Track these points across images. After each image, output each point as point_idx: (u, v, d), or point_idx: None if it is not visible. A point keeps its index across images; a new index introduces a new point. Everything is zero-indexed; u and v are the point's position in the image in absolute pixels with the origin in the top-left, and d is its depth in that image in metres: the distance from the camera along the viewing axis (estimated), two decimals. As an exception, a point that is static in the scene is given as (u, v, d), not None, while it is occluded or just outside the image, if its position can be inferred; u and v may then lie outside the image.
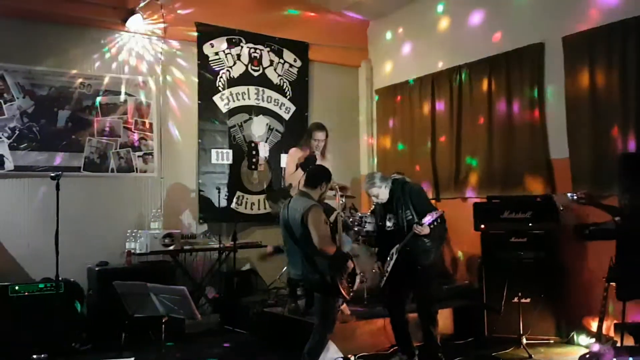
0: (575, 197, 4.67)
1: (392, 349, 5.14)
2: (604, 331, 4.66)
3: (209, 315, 6.35)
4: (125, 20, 6.34)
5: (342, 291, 4.10)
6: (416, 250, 4.57)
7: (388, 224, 4.72)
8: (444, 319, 5.70)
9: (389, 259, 4.62)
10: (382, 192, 4.68)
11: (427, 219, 4.40)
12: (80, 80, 6.22)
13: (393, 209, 4.69)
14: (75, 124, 6.19)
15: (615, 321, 4.85)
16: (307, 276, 4.17)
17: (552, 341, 5.44)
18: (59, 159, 6.04)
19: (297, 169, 5.62)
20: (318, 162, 5.46)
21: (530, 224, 5.55)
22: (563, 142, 5.71)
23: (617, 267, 4.43)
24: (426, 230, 4.42)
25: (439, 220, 4.43)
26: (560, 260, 5.57)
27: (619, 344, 4.51)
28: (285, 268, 6.37)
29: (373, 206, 5.16)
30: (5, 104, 5.82)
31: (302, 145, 5.93)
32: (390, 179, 4.78)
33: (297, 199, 4.22)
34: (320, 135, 5.86)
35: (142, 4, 6.22)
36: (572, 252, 5.55)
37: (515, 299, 5.28)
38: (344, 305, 4.96)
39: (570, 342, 5.40)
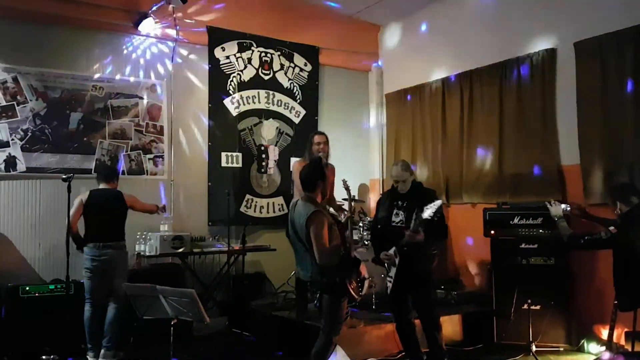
0: (568, 209, 4.68)
1: (400, 355, 5.12)
2: (614, 339, 4.63)
3: (217, 318, 6.35)
4: (137, 24, 6.38)
5: (351, 292, 4.11)
6: (418, 255, 4.52)
7: (394, 218, 4.68)
8: (453, 325, 5.68)
9: (391, 262, 4.60)
10: (409, 181, 4.71)
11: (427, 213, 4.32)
12: (92, 82, 6.28)
13: (405, 207, 4.65)
14: (87, 126, 6.23)
15: (626, 329, 4.81)
16: (316, 278, 4.17)
17: (562, 349, 5.40)
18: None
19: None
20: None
21: (540, 230, 5.52)
22: (574, 149, 5.68)
23: (615, 278, 4.40)
24: (420, 236, 4.38)
25: (438, 215, 4.34)
26: (571, 266, 5.53)
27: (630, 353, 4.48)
28: (293, 272, 6.41)
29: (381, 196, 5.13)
30: (18, 105, 5.88)
31: (305, 156, 5.97)
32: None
33: (302, 203, 4.23)
34: (318, 138, 5.89)
35: (154, 8, 6.26)
36: (583, 259, 5.51)
37: (525, 306, 5.24)
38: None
39: (580, 349, 5.36)
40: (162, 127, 6.70)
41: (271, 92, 7.41)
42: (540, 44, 6.02)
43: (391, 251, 4.55)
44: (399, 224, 4.63)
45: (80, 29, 6.23)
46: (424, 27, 7.58)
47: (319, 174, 4.32)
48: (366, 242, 6.25)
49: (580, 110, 5.64)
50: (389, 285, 4.63)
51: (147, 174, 6.58)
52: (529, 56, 6.11)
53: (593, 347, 5.27)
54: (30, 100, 5.94)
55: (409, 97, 7.67)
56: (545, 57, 5.96)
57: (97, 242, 5.12)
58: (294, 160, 7.34)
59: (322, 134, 6.05)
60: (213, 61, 7.01)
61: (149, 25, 6.39)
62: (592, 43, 5.53)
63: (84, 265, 5.13)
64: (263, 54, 7.36)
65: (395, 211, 4.70)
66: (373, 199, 8.08)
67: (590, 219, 4.98)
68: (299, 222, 4.14)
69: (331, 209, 5.32)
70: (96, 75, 6.31)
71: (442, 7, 7.30)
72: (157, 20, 6.42)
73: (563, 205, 4.76)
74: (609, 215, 4.72)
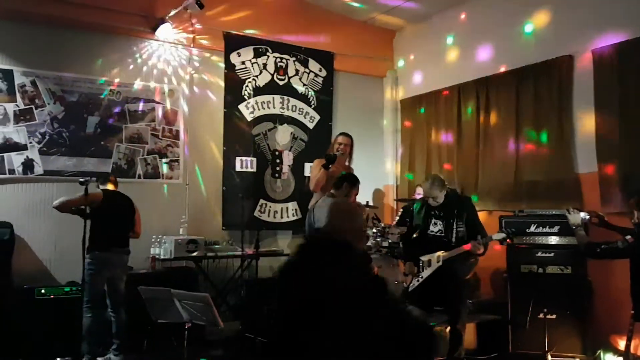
0: (587, 218, 4.64)
1: None
2: (631, 350, 4.56)
3: (230, 322, 6.34)
4: (154, 29, 6.44)
5: None
6: (459, 263, 4.63)
7: (432, 228, 4.75)
8: (468, 333, 5.61)
9: (425, 264, 4.64)
10: (440, 196, 4.78)
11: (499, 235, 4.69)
12: (109, 87, 6.33)
13: (442, 216, 4.73)
14: (104, 130, 6.29)
15: (644, 340, 4.74)
16: None
17: (577, 359, 5.32)
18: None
19: (319, 170, 5.78)
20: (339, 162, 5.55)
21: (557, 239, 5.47)
22: (592, 156, 5.61)
23: (632, 288, 4.34)
24: (482, 251, 4.53)
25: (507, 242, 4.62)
26: (588, 276, 5.45)
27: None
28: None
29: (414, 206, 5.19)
30: (36, 109, 5.94)
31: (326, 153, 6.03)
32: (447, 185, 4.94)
33: (324, 199, 4.42)
34: (341, 139, 5.97)
35: (171, 13, 6.31)
36: (600, 268, 5.43)
37: (541, 315, 5.19)
38: None
39: (596, 360, 5.29)
40: (177, 131, 6.74)
41: (286, 98, 7.43)
42: (558, 51, 5.98)
43: (435, 255, 4.64)
44: (437, 234, 4.73)
45: (99, 33, 6.29)
46: (439, 33, 7.55)
47: (349, 179, 4.55)
48: (381, 249, 6.22)
49: (597, 117, 5.58)
50: (416, 283, 4.72)
51: (163, 178, 6.61)
52: (546, 63, 6.07)
53: (609, 358, 5.19)
54: (48, 104, 6.00)
55: (423, 103, 7.65)
56: (562, 64, 5.91)
57: (117, 247, 5.18)
58: (308, 165, 7.36)
59: (347, 136, 6.09)
60: (229, 66, 7.04)
61: (166, 31, 6.44)
62: (610, 50, 5.48)
63: (97, 272, 5.04)
64: (278, 60, 7.38)
65: (433, 221, 4.78)
66: (387, 205, 8.06)
67: (608, 227, 4.92)
68: (319, 216, 4.22)
69: None
70: (113, 80, 6.37)
71: (457, 13, 7.27)
72: (174, 26, 6.47)
73: (582, 214, 4.70)
74: (627, 224, 4.65)
